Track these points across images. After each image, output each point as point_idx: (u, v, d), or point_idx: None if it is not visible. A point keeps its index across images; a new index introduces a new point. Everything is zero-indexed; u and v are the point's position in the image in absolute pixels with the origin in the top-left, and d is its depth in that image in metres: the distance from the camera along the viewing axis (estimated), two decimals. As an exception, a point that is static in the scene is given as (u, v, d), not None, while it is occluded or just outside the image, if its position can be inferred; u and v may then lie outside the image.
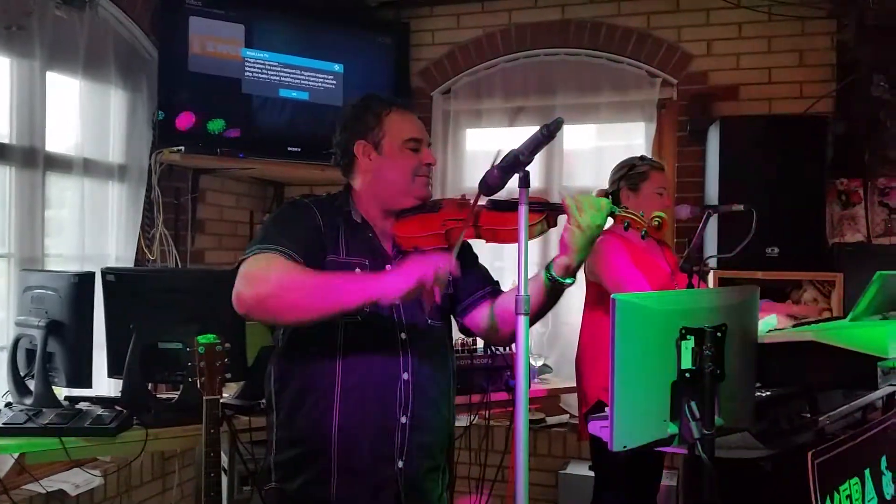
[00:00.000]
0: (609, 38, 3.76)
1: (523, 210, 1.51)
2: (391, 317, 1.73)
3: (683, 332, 1.57)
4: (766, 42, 3.56)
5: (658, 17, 3.69)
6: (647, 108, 3.71)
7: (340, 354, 1.68)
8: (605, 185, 3.78)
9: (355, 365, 1.68)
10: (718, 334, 1.61)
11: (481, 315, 1.82)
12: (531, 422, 3.58)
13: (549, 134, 1.49)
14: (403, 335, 1.72)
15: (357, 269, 1.71)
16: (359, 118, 1.79)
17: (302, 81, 3.67)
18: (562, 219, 1.70)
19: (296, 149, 3.66)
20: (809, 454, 1.74)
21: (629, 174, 2.73)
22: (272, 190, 4.23)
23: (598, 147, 3.95)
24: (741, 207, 2.48)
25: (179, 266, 3.41)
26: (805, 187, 3.15)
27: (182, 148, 3.28)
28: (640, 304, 1.54)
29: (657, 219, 1.64)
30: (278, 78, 3.60)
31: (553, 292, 1.67)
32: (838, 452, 1.84)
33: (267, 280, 1.55)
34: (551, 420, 3.69)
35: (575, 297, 3.73)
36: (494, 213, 1.72)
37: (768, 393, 1.96)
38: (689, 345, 1.59)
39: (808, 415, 1.93)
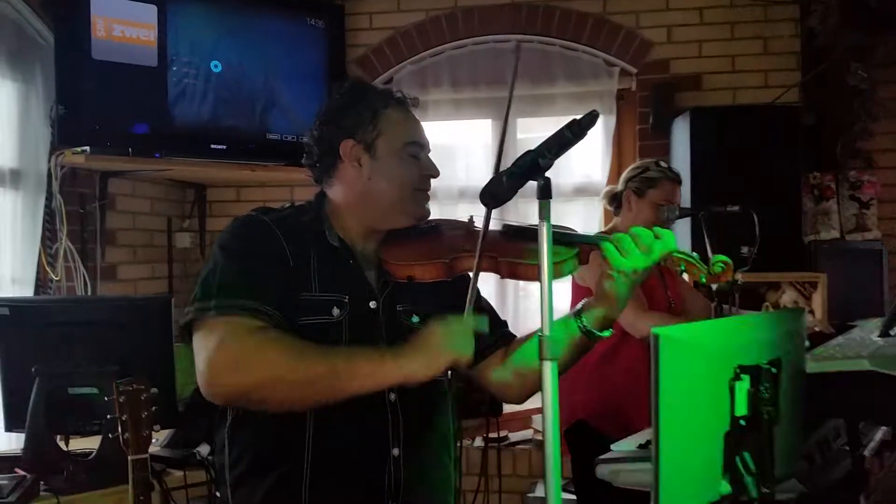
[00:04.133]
0: (563, 24, 3.49)
1: (544, 228, 1.21)
2: None
3: (738, 371, 1.31)
4: (729, 28, 3.37)
5: (615, 1, 3.45)
6: (605, 99, 3.47)
7: (311, 424, 1.31)
8: (567, 182, 3.57)
9: (329, 438, 1.31)
10: (773, 370, 1.35)
11: (494, 366, 1.49)
12: (493, 440, 3.29)
13: (579, 132, 1.19)
14: (393, 395, 1.36)
15: (335, 309, 1.35)
16: (348, 110, 1.41)
17: (224, 69, 3.24)
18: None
19: (220, 146, 3.25)
20: (861, 499, 1.52)
21: (638, 176, 2.47)
22: (193, 192, 3.77)
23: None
24: (737, 208, 2.27)
25: (88, 284, 2.94)
26: (779, 182, 2.98)
27: (87, 148, 2.82)
28: (688, 340, 1.27)
29: (720, 264, 1.36)
30: (198, 65, 3.17)
31: (584, 346, 1.38)
32: (885, 487, 1.64)
33: (248, 367, 1.20)
34: (515, 437, 3.42)
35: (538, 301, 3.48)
36: (514, 243, 1.40)
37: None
38: (743, 386, 1.32)
39: (846, 446, 1.71)
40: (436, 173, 1.45)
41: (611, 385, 2.39)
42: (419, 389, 1.33)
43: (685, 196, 3.04)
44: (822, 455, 1.73)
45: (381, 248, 1.43)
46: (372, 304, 1.40)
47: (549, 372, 1.19)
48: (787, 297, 2.99)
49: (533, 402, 2.96)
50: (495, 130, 3.57)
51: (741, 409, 1.32)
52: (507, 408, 2.87)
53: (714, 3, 3.37)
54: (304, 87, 3.42)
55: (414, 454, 1.37)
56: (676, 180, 2.50)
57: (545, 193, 1.21)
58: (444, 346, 1.21)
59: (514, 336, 1.55)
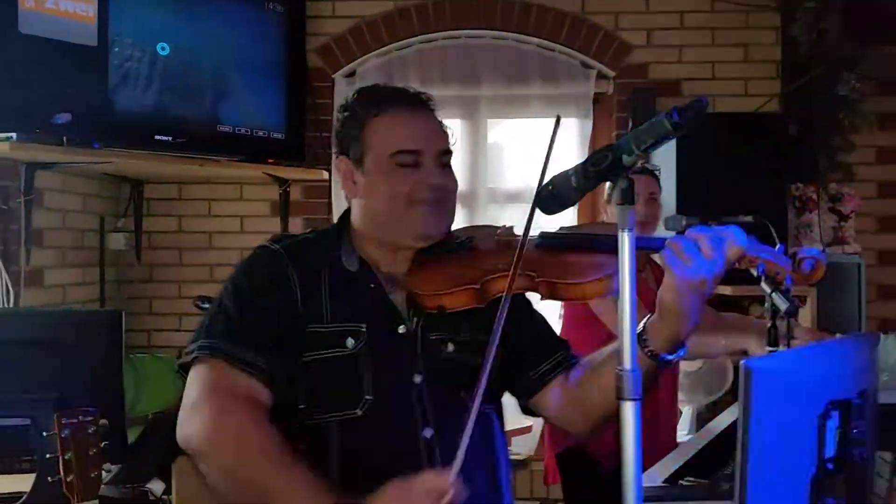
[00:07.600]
0: (540, 22, 3.31)
1: (627, 239, 1.00)
2: (408, 402, 1.18)
3: (829, 407, 1.14)
4: (710, 34, 3.27)
5: (594, 0, 3.30)
6: (581, 102, 3.31)
7: (334, 472, 1.15)
8: (534, 186, 3.38)
9: (353, 487, 1.11)
10: (863, 404, 1.19)
11: (555, 397, 1.29)
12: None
13: (682, 124, 0.98)
14: (428, 432, 1.18)
15: (349, 340, 1.19)
16: (343, 125, 1.30)
17: (172, 53, 2.93)
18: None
19: (165, 137, 2.93)
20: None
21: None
22: (129, 188, 3.41)
23: (528, 144, 3.53)
24: (750, 218, 2.13)
25: (11, 292, 2.57)
26: (764, 192, 2.87)
27: (13, 135, 2.46)
28: (783, 373, 1.09)
29: (808, 260, 1.18)
30: (143, 47, 2.84)
31: (652, 374, 1.17)
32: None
33: (209, 433, 1.13)
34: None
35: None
36: (553, 256, 1.22)
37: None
38: (833, 424, 1.15)
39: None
40: (438, 181, 1.26)
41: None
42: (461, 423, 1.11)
43: (671, 205, 2.92)
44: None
45: (408, 272, 1.26)
46: (401, 329, 1.23)
47: (630, 414, 0.99)
48: (774, 313, 2.89)
49: (512, 424, 2.75)
50: (466, 131, 3.36)
51: (830, 449, 1.15)
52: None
53: (695, 7, 3.27)
54: (260, 75, 3.14)
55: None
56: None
57: (628, 197, 1.01)
58: None
59: (576, 359, 1.34)
